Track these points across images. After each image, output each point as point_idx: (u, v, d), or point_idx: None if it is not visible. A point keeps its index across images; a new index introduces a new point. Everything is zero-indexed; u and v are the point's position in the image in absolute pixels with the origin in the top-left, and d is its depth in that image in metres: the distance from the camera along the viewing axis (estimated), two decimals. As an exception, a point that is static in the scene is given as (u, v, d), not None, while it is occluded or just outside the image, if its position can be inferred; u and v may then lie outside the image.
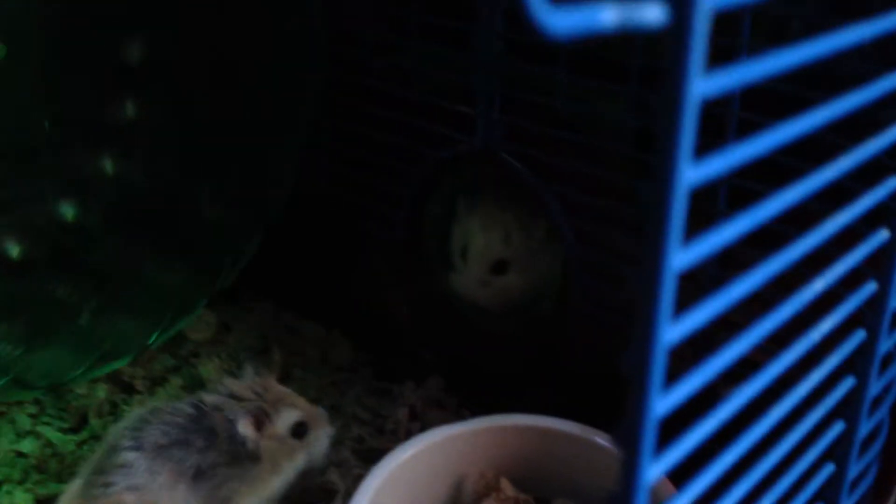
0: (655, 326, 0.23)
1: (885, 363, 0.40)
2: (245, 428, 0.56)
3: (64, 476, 0.63)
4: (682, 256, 0.23)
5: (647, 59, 0.57)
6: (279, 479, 0.58)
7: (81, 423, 0.69)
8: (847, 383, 0.39)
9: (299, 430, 0.59)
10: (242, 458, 0.56)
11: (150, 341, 0.68)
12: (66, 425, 0.68)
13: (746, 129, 0.39)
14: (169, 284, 0.71)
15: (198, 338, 0.78)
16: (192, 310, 0.70)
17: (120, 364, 0.68)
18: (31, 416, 0.69)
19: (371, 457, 0.66)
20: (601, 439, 0.56)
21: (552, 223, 0.64)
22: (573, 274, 0.64)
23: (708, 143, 0.23)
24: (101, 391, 0.70)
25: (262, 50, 0.71)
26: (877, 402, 0.41)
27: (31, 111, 0.73)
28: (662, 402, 0.24)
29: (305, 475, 0.60)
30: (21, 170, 0.74)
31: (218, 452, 0.55)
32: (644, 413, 0.23)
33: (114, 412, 0.70)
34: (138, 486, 0.53)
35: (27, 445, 0.66)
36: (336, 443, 0.68)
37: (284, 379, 0.75)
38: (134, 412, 0.59)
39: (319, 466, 0.61)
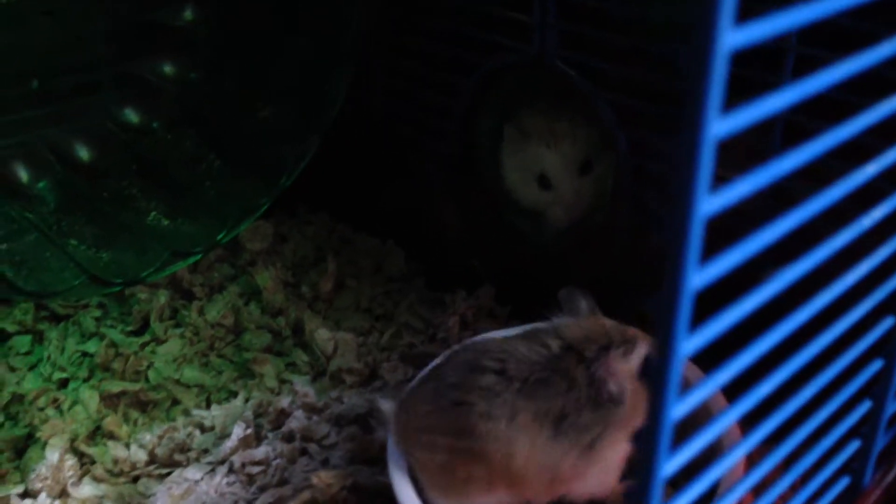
0: (693, 198, 0.22)
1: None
2: (610, 371, 0.48)
3: (128, 375, 0.66)
4: (720, 124, 0.22)
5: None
6: (639, 422, 0.48)
7: (143, 326, 0.72)
8: (887, 323, 0.39)
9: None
10: (604, 400, 0.48)
11: (218, 239, 0.70)
12: (129, 328, 0.71)
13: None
14: (233, 185, 0.72)
15: (255, 247, 0.79)
16: (256, 210, 0.70)
17: (190, 262, 0.70)
18: (96, 319, 0.72)
19: (421, 362, 0.67)
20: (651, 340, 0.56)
21: (605, 130, 0.64)
22: (625, 182, 0.64)
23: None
24: (162, 296, 0.72)
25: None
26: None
27: (89, 21, 0.73)
28: (698, 276, 0.24)
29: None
30: (85, 79, 0.75)
31: (579, 396, 0.48)
32: (680, 285, 0.23)
33: (174, 316, 0.72)
34: (496, 416, 0.47)
35: (92, 346, 0.69)
36: (387, 349, 0.70)
37: (338, 288, 0.77)
38: (488, 335, 0.56)
39: None
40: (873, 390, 0.40)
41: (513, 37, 0.66)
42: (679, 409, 0.25)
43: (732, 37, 0.21)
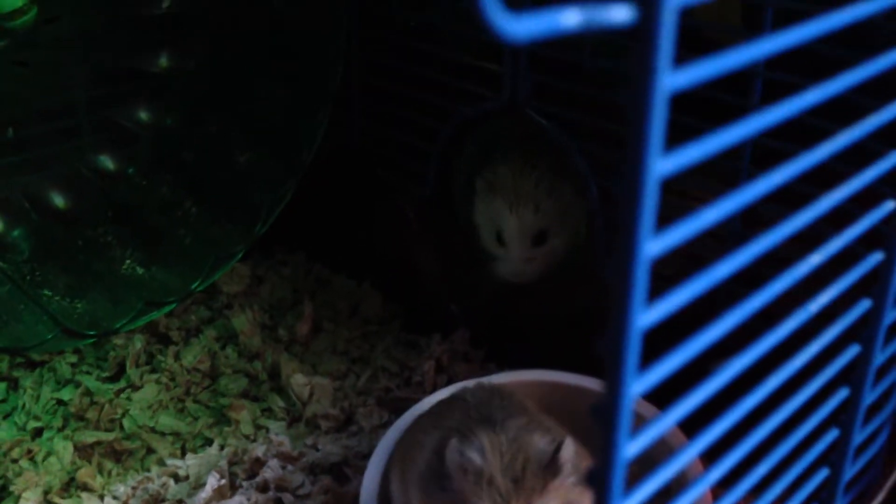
0: (637, 240, 0.23)
1: (889, 335, 0.40)
2: None
3: (102, 424, 0.66)
4: (663, 164, 0.23)
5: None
6: None
7: (119, 371, 0.71)
8: (852, 351, 0.39)
9: None
10: None
11: (192, 288, 0.70)
12: (104, 374, 0.71)
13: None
14: (209, 232, 0.72)
15: (231, 290, 0.79)
16: (232, 257, 0.71)
17: (164, 311, 0.70)
18: (72, 364, 0.71)
19: (397, 406, 0.67)
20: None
21: (578, 180, 0.65)
22: (598, 231, 0.65)
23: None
24: (139, 341, 0.72)
25: (291, 4, 0.71)
26: (882, 370, 0.41)
27: (67, 68, 0.74)
28: (645, 316, 0.24)
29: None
30: (60, 125, 0.75)
31: None
32: (627, 326, 0.24)
33: (150, 362, 0.72)
34: None
35: (67, 394, 0.68)
36: (363, 393, 0.70)
37: (315, 331, 0.77)
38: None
39: None
40: (840, 419, 0.41)
41: (486, 85, 0.67)
42: (631, 448, 0.25)
43: (672, 80, 0.22)
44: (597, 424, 0.25)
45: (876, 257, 0.37)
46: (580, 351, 0.65)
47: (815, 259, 0.30)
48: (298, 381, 0.69)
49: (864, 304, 0.38)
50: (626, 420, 0.24)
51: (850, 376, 0.39)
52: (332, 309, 0.79)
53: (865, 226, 0.34)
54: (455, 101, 0.70)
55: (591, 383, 0.59)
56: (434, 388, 0.68)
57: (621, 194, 0.23)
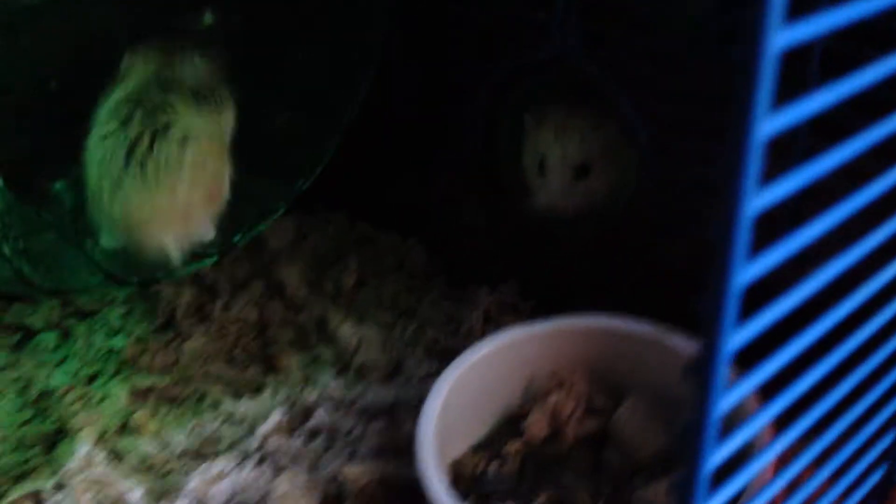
0: (741, 195, 0.23)
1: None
2: None
3: (155, 370, 0.67)
4: (771, 123, 0.22)
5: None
6: None
7: (169, 322, 0.72)
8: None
9: None
10: None
11: (234, 241, 0.70)
12: (154, 324, 0.72)
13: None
14: (249, 188, 0.72)
15: (277, 245, 0.80)
16: (272, 213, 0.71)
17: (207, 263, 0.71)
18: (122, 315, 0.72)
19: (445, 356, 0.68)
20: (673, 339, 0.57)
21: (626, 128, 0.64)
22: (646, 179, 0.64)
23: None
24: (187, 294, 0.73)
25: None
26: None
27: (109, 22, 0.74)
28: (746, 271, 0.24)
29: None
30: (101, 82, 0.75)
31: None
32: (729, 281, 0.24)
33: (198, 313, 0.73)
34: None
35: (119, 342, 0.69)
36: (410, 343, 0.70)
37: (360, 285, 0.77)
38: None
39: None
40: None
41: (534, 35, 0.66)
42: (726, 401, 0.25)
43: (782, 36, 0.21)
44: (691, 379, 0.25)
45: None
46: (627, 300, 0.66)
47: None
48: (346, 331, 0.70)
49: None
50: (722, 374, 0.25)
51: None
52: (377, 264, 0.79)
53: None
54: (503, 53, 0.69)
55: (637, 327, 0.59)
56: (482, 338, 0.69)
57: (726, 152, 0.23)
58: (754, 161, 0.23)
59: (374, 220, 0.85)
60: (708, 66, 0.58)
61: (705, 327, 0.24)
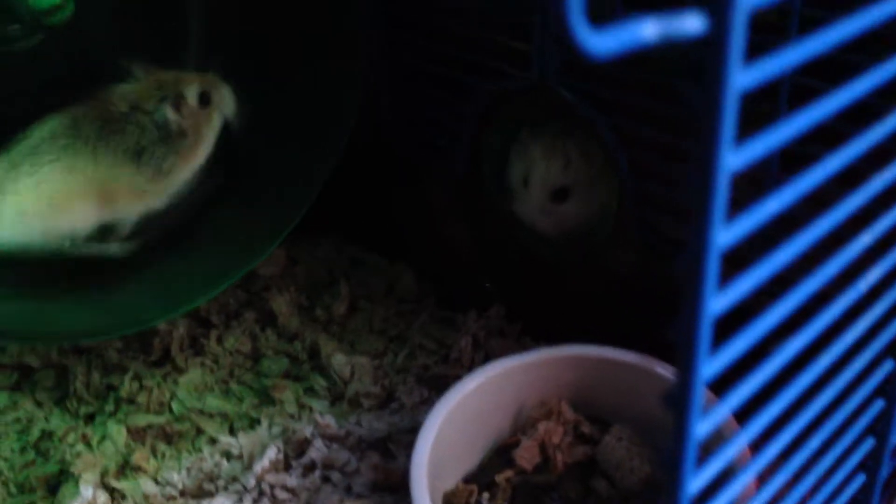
0: (709, 228, 0.24)
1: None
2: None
3: (152, 407, 0.68)
4: (735, 158, 0.23)
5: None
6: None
7: (164, 356, 0.73)
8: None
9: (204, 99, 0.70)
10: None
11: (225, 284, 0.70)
12: (151, 359, 0.72)
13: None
14: (241, 231, 0.73)
15: (268, 273, 0.81)
16: (263, 253, 0.71)
17: (197, 304, 0.71)
18: (118, 350, 0.73)
19: (436, 384, 0.69)
20: (659, 368, 0.59)
21: (608, 154, 0.66)
22: (627, 204, 0.66)
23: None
24: (181, 326, 0.74)
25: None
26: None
27: (100, 63, 0.75)
28: (717, 302, 0.25)
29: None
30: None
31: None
32: (700, 312, 0.25)
33: (193, 345, 0.74)
34: None
35: (116, 379, 0.70)
36: (402, 370, 0.71)
37: (351, 310, 0.78)
38: None
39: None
40: (886, 390, 0.42)
41: (514, 63, 0.68)
42: (703, 427, 0.26)
43: (742, 78, 0.23)
44: (668, 408, 0.26)
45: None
46: (612, 324, 0.67)
47: (866, 239, 0.31)
48: (339, 360, 0.71)
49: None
50: (698, 401, 0.26)
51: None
52: (366, 288, 0.81)
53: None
54: (483, 80, 0.70)
55: (623, 355, 0.61)
56: (472, 364, 0.70)
57: (692, 186, 0.24)
58: (720, 194, 0.24)
59: (363, 242, 0.86)
60: (685, 92, 0.60)
61: (679, 357, 0.25)
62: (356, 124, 0.74)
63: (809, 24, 0.50)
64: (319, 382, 0.71)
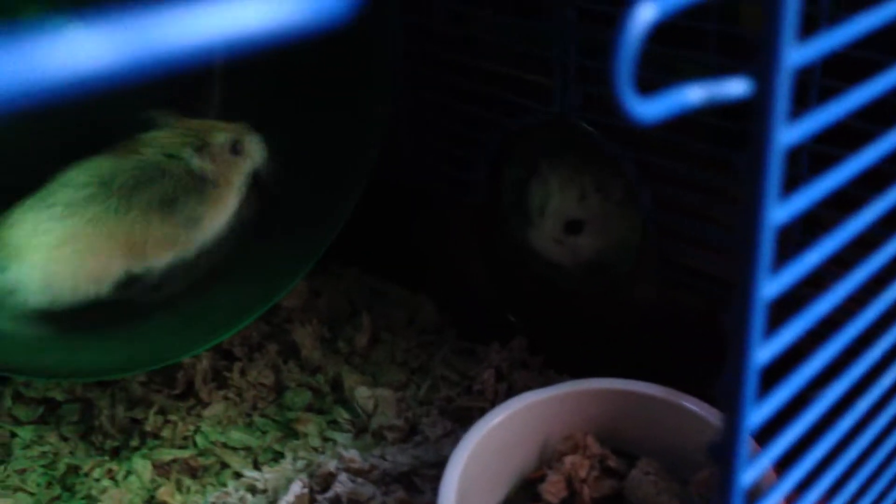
0: (756, 281, 0.24)
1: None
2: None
3: (177, 441, 0.68)
4: (780, 212, 0.24)
5: (723, 25, 0.58)
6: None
7: (188, 390, 0.73)
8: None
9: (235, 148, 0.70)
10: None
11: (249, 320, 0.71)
12: (174, 392, 0.73)
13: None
14: (263, 266, 0.74)
15: (290, 305, 0.81)
16: (285, 288, 0.71)
17: (220, 340, 0.71)
18: (142, 384, 0.73)
19: (460, 416, 0.69)
20: (685, 401, 0.59)
21: (629, 187, 0.66)
22: (650, 237, 0.66)
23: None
24: (205, 359, 0.74)
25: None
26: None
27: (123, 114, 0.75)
28: (763, 351, 0.25)
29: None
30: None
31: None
32: (746, 361, 0.25)
33: (216, 378, 0.74)
34: None
35: (140, 413, 0.70)
36: (425, 403, 0.71)
37: (373, 342, 0.78)
38: None
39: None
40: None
41: (535, 97, 0.68)
42: (748, 476, 0.27)
43: (787, 135, 0.23)
44: (714, 458, 0.26)
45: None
46: (634, 356, 0.67)
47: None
48: (362, 393, 0.71)
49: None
50: (744, 451, 0.26)
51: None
52: (388, 319, 0.81)
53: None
54: (504, 114, 0.71)
55: (648, 389, 0.61)
56: (495, 397, 0.70)
57: (739, 245, 0.24)
58: (766, 249, 0.24)
59: (384, 274, 0.86)
60: (709, 128, 0.60)
61: (725, 405, 0.26)
62: (379, 156, 0.75)
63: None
64: (343, 415, 0.71)
